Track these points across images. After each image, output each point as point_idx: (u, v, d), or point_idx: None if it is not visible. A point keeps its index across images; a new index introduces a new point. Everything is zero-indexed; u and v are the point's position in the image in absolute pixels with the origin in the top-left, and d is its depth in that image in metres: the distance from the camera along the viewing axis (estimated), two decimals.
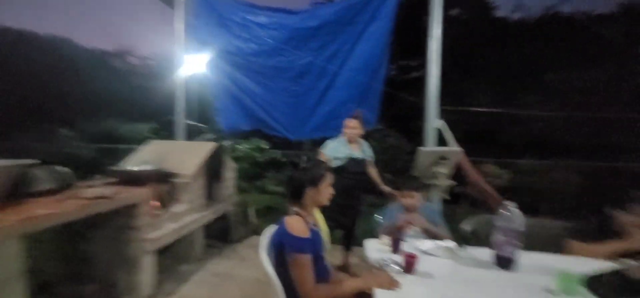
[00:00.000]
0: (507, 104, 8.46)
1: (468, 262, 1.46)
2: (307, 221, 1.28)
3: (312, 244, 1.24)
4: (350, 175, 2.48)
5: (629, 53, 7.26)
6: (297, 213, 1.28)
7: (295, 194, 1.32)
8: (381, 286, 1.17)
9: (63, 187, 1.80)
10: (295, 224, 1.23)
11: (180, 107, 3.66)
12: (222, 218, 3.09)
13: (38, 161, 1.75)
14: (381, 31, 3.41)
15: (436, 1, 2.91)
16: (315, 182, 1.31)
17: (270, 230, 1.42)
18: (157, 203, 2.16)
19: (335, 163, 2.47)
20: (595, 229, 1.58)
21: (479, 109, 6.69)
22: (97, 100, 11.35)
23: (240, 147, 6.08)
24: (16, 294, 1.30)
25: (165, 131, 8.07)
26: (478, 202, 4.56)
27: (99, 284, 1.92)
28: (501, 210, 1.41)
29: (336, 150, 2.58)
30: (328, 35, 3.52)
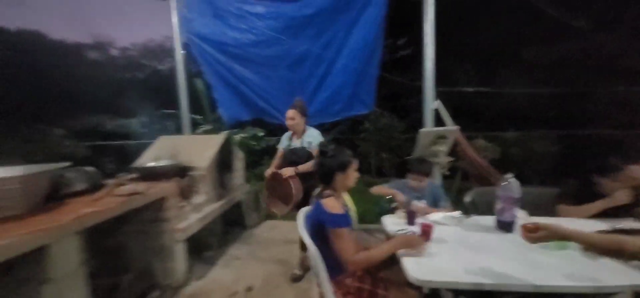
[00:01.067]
0: (489, 79, 8.80)
1: (473, 228, 1.69)
2: (339, 201, 1.45)
3: (347, 219, 1.41)
4: (287, 165, 2.44)
5: (595, 28, 7.68)
6: (330, 195, 1.45)
7: (326, 179, 1.49)
8: (412, 246, 1.36)
9: (95, 186, 1.89)
10: (331, 203, 1.39)
11: (184, 100, 3.68)
12: (236, 206, 3.24)
13: (69, 164, 1.83)
14: (375, 17, 3.50)
15: None
16: (343, 167, 1.47)
17: (305, 211, 1.59)
18: (180, 197, 2.28)
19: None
20: (579, 193, 1.83)
21: (468, 89, 6.94)
22: (78, 96, 10.93)
23: (236, 136, 6.13)
24: (79, 285, 1.43)
25: (158, 125, 7.96)
26: (470, 175, 4.89)
27: (134, 274, 2.06)
28: (501, 182, 1.63)
29: (281, 143, 2.68)
30: (324, 23, 3.58)
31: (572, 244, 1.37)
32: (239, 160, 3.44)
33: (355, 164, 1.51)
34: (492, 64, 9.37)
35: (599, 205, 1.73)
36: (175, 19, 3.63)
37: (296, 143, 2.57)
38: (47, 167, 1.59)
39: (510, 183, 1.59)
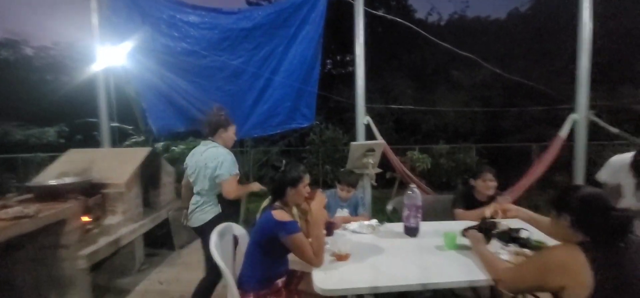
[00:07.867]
0: (424, 96, 9.74)
1: (386, 235, 1.84)
2: (289, 213, 1.46)
3: (298, 226, 1.40)
4: None
5: (510, 53, 9.14)
6: (281, 207, 1.45)
7: (278, 193, 1.49)
8: (319, 203, 1.49)
9: None
10: (283, 214, 1.39)
11: (103, 108, 3.34)
12: (163, 225, 3.00)
13: None
14: (312, 34, 3.65)
15: (359, 12, 3.27)
16: (294, 183, 1.47)
17: (220, 229, 1.56)
18: (87, 218, 2.05)
19: None
20: (463, 197, 2.13)
21: (401, 106, 7.59)
22: None
23: (175, 148, 5.74)
24: None
25: (79, 135, 7.07)
26: (405, 184, 5.31)
27: None
28: (407, 191, 1.80)
29: None
30: (262, 37, 3.62)
31: (461, 243, 1.59)
32: (168, 175, 3.22)
33: (306, 179, 1.52)
34: (427, 80, 10.36)
35: (485, 211, 2.00)
36: (95, 20, 3.32)
37: None
38: None
39: (414, 193, 1.77)
